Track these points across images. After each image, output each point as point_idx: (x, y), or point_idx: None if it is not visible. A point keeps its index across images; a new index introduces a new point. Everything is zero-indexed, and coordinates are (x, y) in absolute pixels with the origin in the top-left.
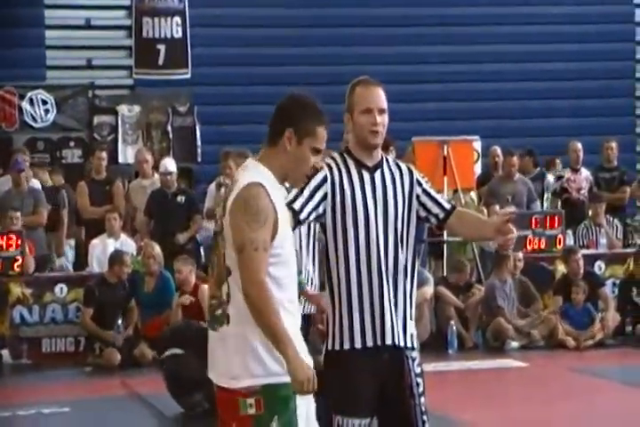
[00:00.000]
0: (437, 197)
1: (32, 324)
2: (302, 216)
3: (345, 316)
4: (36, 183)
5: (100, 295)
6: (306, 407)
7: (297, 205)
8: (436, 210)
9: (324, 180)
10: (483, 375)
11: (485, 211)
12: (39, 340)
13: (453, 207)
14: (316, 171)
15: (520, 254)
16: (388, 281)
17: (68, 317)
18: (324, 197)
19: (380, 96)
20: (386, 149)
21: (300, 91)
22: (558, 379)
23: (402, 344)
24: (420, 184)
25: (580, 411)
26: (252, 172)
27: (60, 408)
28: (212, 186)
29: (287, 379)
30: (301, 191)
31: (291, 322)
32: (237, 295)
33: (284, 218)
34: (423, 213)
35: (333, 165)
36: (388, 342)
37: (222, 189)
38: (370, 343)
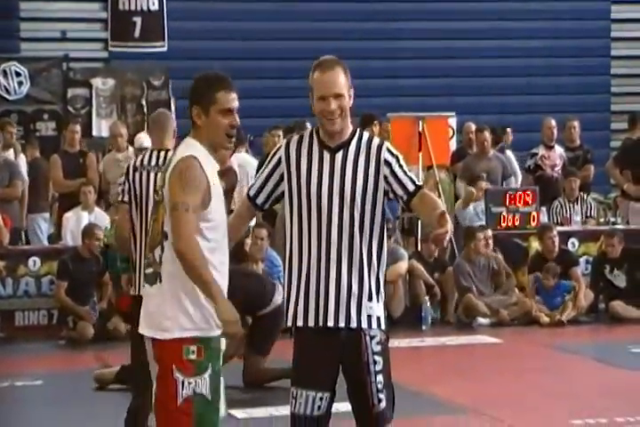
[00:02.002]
0: (403, 178)
1: (5, 297)
2: (259, 201)
3: (293, 294)
4: (10, 155)
5: (74, 269)
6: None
7: (252, 192)
8: (400, 192)
9: (279, 162)
10: (456, 351)
11: (463, 187)
12: (12, 313)
13: (417, 189)
14: (237, 129)
15: (489, 232)
16: (339, 262)
17: (41, 290)
18: (281, 179)
19: (335, 81)
20: (370, 123)
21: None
22: (531, 355)
23: (354, 325)
24: (388, 164)
25: (552, 385)
26: (188, 146)
27: (32, 381)
28: None
29: (214, 333)
30: (260, 173)
31: (220, 282)
32: (168, 256)
33: (216, 187)
34: (391, 194)
35: (293, 145)
36: (330, 323)
37: None
38: (320, 324)
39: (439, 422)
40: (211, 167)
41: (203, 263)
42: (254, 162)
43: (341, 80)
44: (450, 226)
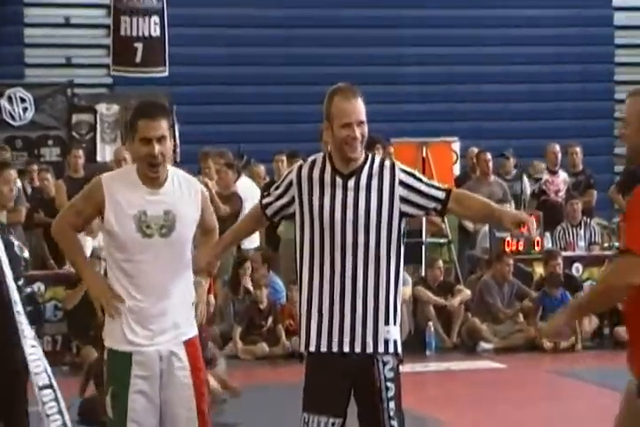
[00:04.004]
0: (428, 190)
1: None
2: (268, 212)
3: (304, 319)
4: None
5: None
6: (148, 387)
7: (265, 200)
8: (432, 204)
9: (290, 184)
10: (461, 377)
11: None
12: None
13: (448, 194)
14: (155, 158)
15: (510, 260)
16: (354, 288)
17: (45, 316)
18: (292, 201)
19: (358, 107)
20: (372, 146)
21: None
22: (535, 381)
23: (370, 350)
24: (404, 185)
25: (556, 413)
26: (115, 171)
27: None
28: None
29: (121, 347)
30: (275, 189)
31: (130, 303)
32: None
33: (120, 207)
34: (420, 211)
35: (305, 169)
36: (346, 349)
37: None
38: (334, 349)
39: None
40: (123, 186)
41: (64, 239)
42: (257, 190)
43: (363, 108)
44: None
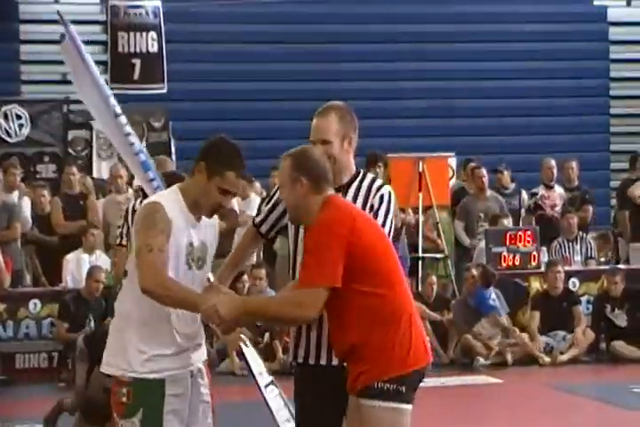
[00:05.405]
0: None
1: (6, 339)
2: (262, 230)
3: (294, 331)
4: (10, 198)
5: (76, 311)
6: (182, 404)
7: (257, 219)
8: None
9: None
10: (457, 392)
11: (459, 225)
12: (13, 355)
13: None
14: (223, 209)
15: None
16: None
17: (42, 332)
18: (285, 212)
19: (320, 126)
20: (373, 164)
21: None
22: (532, 395)
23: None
24: (371, 208)
25: (553, 426)
26: (159, 194)
27: (33, 424)
28: None
29: (151, 376)
30: (265, 204)
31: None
32: (122, 295)
33: (174, 237)
34: None
35: None
36: (334, 362)
37: None
38: (322, 362)
39: None
40: (177, 213)
41: (170, 293)
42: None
43: (332, 126)
44: None
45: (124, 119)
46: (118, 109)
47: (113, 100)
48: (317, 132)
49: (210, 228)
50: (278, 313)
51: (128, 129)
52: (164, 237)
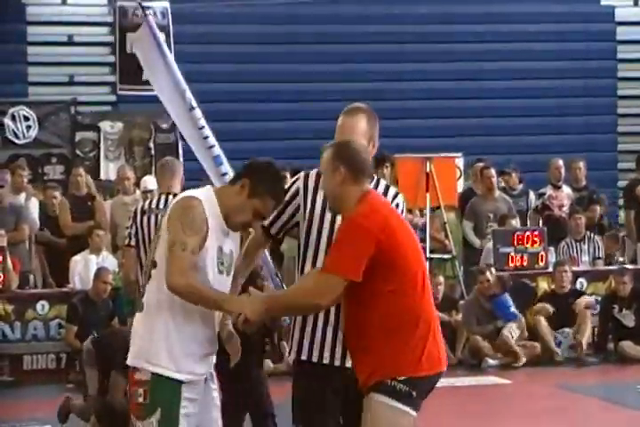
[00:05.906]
0: None
1: (14, 341)
2: (273, 231)
3: (297, 329)
4: (17, 199)
5: (84, 313)
6: (195, 409)
7: (266, 222)
8: None
9: (297, 192)
10: (466, 393)
11: (468, 226)
12: (21, 357)
13: None
14: (247, 232)
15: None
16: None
17: (49, 334)
18: (297, 210)
19: (349, 126)
20: (381, 164)
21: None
22: (541, 396)
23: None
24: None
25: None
26: (198, 191)
27: (41, 425)
28: None
29: (175, 375)
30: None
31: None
32: (153, 286)
33: (212, 236)
34: None
35: (312, 178)
36: (337, 363)
37: None
38: (325, 361)
39: None
40: (212, 215)
41: (198, 293)
42: None
43: (360, 127)
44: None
45: (198, 113)
46: (194, 103)
47: (189, 94)
48: (345, 131)
49: (232, 235)
50: (293, 303)
51: (202, 122)
52: (199, 238)
